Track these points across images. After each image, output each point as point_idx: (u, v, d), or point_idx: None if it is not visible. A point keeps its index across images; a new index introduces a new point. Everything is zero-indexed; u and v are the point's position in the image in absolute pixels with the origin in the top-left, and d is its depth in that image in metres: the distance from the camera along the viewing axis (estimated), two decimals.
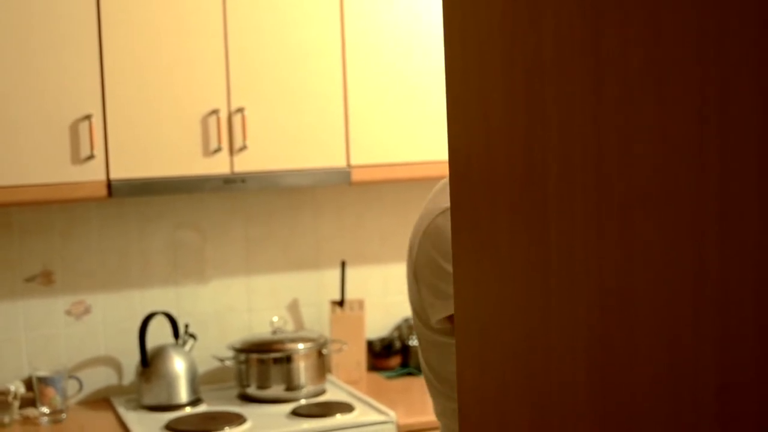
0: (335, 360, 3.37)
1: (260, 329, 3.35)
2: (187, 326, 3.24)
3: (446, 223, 1.74)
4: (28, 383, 3.06)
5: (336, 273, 3.46)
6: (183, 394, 3.10)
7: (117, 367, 3.25)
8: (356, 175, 3.11)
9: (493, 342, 1.04)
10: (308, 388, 3.13)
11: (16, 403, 2.99)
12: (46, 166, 2.80)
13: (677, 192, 0.71)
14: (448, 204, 1.67)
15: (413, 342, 3.42)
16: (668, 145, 0.72)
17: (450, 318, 1.75)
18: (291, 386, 3.10)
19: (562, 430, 0.88)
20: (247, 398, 3.13)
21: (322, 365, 3.20)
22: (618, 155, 0.78)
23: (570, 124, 0.85)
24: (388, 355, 3.49)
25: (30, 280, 3.14)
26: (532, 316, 0.92)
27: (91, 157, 2.83)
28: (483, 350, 1.07)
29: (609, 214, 0.79)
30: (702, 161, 0.69)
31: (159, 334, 3.20)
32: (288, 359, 3.11)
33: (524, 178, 0.93)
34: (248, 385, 3.13)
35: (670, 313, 0.73)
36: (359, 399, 3.11)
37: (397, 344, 3.52)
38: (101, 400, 3.20)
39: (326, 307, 3.46)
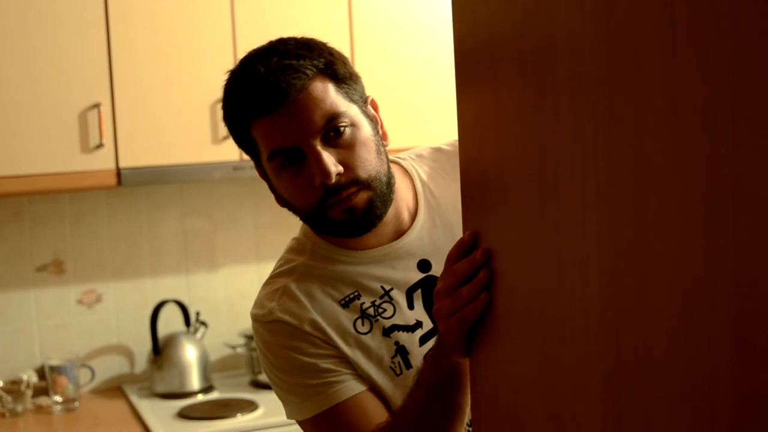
0: None
1: None
2: (198, 314, 3.25)
3: (263, 335, 1.55)
4: (41, 372, 3.07)
5: None
6: (195, 382, 3.11)
7: (129, 355, 3.26)
8: None
9: (505, 319, 1.04)
10: None
11: (29, 393, 3.00)
12: (56, 156, 2.80)
13: (690, 171, 0.71)
14: (267, 314, 1.53)
15: None
16: (680, 125, 0.71)
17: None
18: None
19: (576, 406, 0.88)
20: (258, 385, 3.13)
21: None
22: (631, 135, 0.78)
23: (582, 101, 0.84)
24: None
25: (41, 269, 3.14)
26: (543, 296, 0.92)
27: (100, 145, 2.83)
28: (495, 330, 1.07)
29: (621, 194, 0.79)
30: (714, 141, 0.68)
31: (170, 322, 3.21)
32: None
33: (536, 159, 0.92)
34: (260, 372, 3.13)
35: (684, 288, 0.72)
36: None
37: None
38: (113, 389, 3.21)
39: None
